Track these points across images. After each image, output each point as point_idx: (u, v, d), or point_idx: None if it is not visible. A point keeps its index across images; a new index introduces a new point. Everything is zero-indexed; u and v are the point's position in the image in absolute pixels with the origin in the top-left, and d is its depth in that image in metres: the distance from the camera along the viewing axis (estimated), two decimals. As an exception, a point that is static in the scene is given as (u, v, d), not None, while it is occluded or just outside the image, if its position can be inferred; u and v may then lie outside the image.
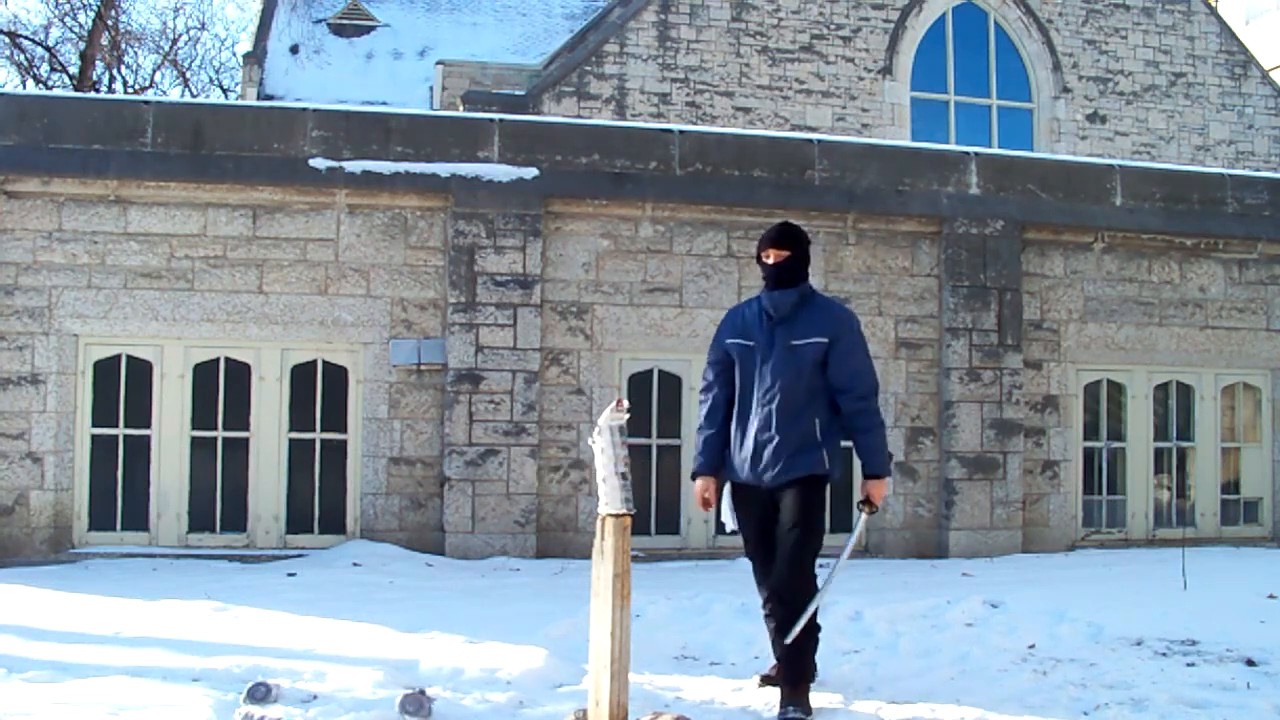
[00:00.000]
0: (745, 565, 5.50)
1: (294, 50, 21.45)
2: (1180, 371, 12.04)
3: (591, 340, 10.56)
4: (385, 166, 10.17)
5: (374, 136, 10.26)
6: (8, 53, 28.23)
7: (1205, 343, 11.99)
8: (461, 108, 17.07)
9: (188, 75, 31.61)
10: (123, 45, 29.29)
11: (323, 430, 10.27)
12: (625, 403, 4.59)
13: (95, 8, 27.15)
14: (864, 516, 5.17)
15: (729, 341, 5.24)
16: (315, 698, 5.03)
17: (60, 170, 9.77)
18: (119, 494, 9.94)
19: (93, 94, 25.89)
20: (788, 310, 5.13)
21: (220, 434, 10.11)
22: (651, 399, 10.68)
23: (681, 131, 11.11)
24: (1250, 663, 5.70)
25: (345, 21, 22.17)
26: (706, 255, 10.82)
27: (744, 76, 18.09)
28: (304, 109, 10.53)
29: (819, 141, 11.41)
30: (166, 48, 30.74)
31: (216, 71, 32.88)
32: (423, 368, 10.22)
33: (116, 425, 9.96)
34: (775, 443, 5.04)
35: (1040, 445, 11.42)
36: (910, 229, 11.25)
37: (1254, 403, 12.37)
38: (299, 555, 9.73)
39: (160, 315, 9.94)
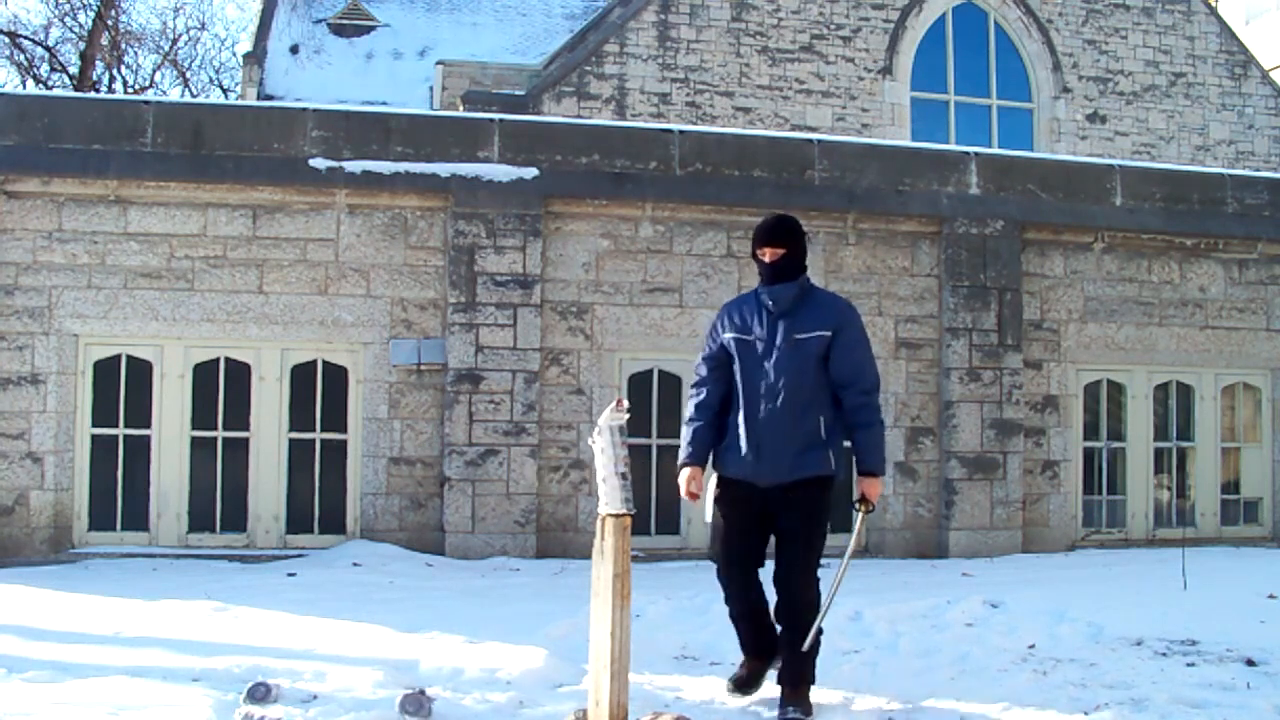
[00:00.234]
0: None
1: (294, 50, 21.44)
2: (1180, 371, 12.04)
3: (591, 340, 10.56)
4: (385, 166, 10.17)
5: (374, 136, 10.26)
6: (8, 53, 28.25)
7: (1205, 343, 11.99)
8: (461, 108, 17.07)
9: (188, 75, 31.63)
10: (123, 45, 29.30)
11: (323, 430, 10.27)
12: (625, 403, 4.59)
13: (95, 8, 27.16)
14: (862, 516, 5.05)
15: (728, 336, 5.11)
16: (315, 698, 5.03)
17: (60, 170, 9.77)
18: (119, 494, 9.94)
19: (93, 94, 25.89)
20: (788, 304, 5.03)
21: (220, 434, 10.11)
22: (651, 399, 10.68)
23: (681, 131, 11.11)
24: (1250, 663, 5.69)
25: (345, 21, 22.17)
26: (706, 255, 10.83)
27: (744, 76, 18.09)
28: (304, 109, 10.53)
29: (819, 141, 11.41)
30: (166, 48, 30.76)
31: (216, 71, 32.90)
32: (423, 368, 10.22)
33: (116, 425, 9.96)
34: (781, 441, 4.93)
35: (1040, 445, 11.42)
36: (910, 229, 11.25)
37: (1254, 403, 12.37)
38: (299, 555, 9.73)
39: (160, 315, 9.94)
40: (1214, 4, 21.38)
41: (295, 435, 10.21)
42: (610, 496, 4.48)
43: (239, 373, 10.15)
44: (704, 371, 5.19)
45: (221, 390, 10.12)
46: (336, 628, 6.46)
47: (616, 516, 4.47)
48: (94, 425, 9.94)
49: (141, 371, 10.03)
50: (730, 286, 10.71)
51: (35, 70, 28.67)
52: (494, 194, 10.30)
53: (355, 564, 9.25)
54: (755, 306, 5.12)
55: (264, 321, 10.08)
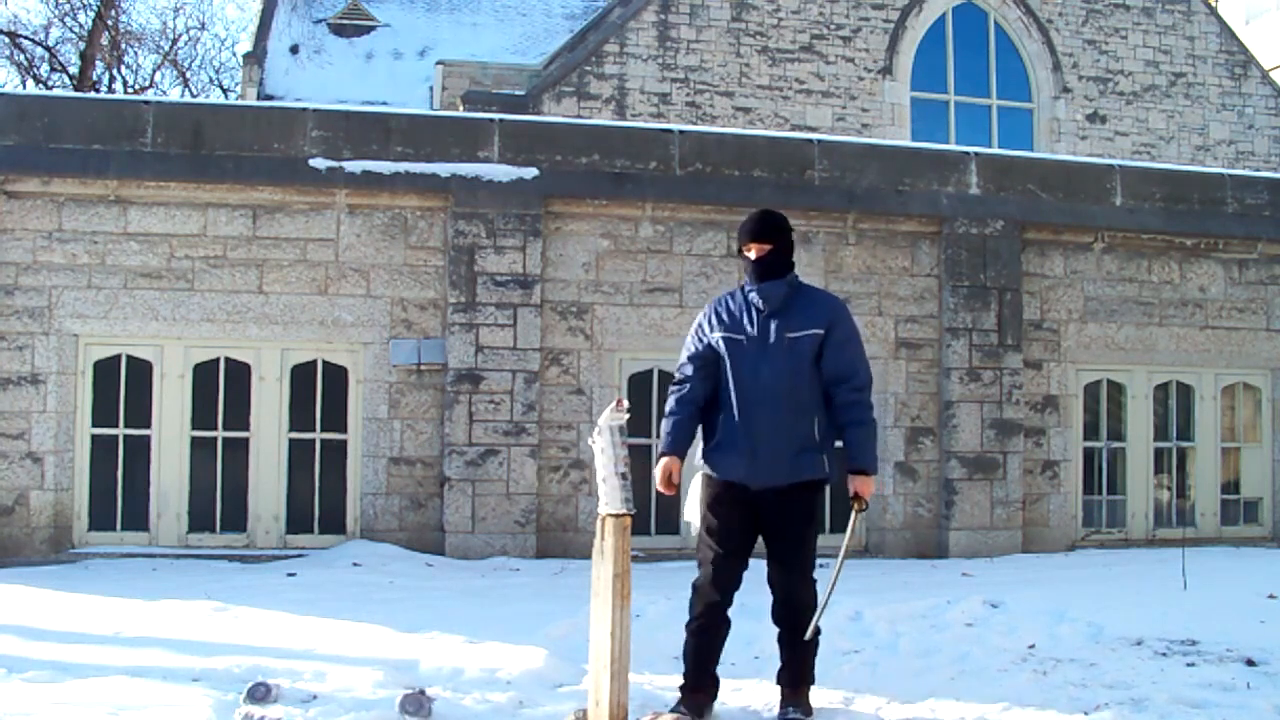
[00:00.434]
0: (756, 565, 5.10)
1: (294, 50, 21.44)
2: (1180, 371, 12.04)
3: (591, 340, 10.56)
4: (385, 166, 10.17)
5: (374, 136, 10.26)
6: (8, 53, 28.26)
7: (1205, 343, 11.99)
8: (461, 108, 17.07)
9: (188, 75, 31.63)
10: (123, 45, 29.31)
11: (323, 430, 10.27)
12: (625, 402, 4.59)
13: (95, 8, 27.17)
14: (856, 514, 5.00)
15: (717, 336, 4.96)
16: (315, 698, 5.03)
17: (60, 170, 9.77)
18: (119, 494, 9.94)
19: (93, 94, 25.89)
20: (779, 302, 4.92)
21: (220, 434, 10.11)
22: (651, 399, 10.67)
23: (681, 131, 11.11)
24: (1250, 663, 5.69)
25: (345, 21, 22.16)
26: (706, 255, 10.83)
27: (744, 76, 18.09)
28: (304, 109, 10.53)
29: (819, 141, 11.41)
30: (166, 48, 30.77)
31: (216, 71, 32.91)
32: (423, 368, 10.22)
33: (116, 425, 9.96)
34: (779, 443, 4.82)
35: (1040, 445, 11.42)
36: (910, 229, 11.25)
37: (1254, 403, 12.37)
38: (299, 555, 9.73)
39: (160, 315, 9.94)
40: (1214, 4, 21.37)
41: (295, 435, 10.21)
42: (610, 496, 4.48)
43: (239, 373, 10.15)
44: (689, 370, 5.01)
45: (221, 390, 10.12)
46: (336, 628, 6.46)
47: (616, 516, 4.47)
48: (94, 425, 9.94)
49: (141, 371, 10.03)
50: (730, 286, 10.68)
51: (35, 70, 28.69)
52: (494, 194, 10.30)
53: (355, 564, 9.25)
54: (744, 305, 5.00)
55: (264, 321, 10.08)
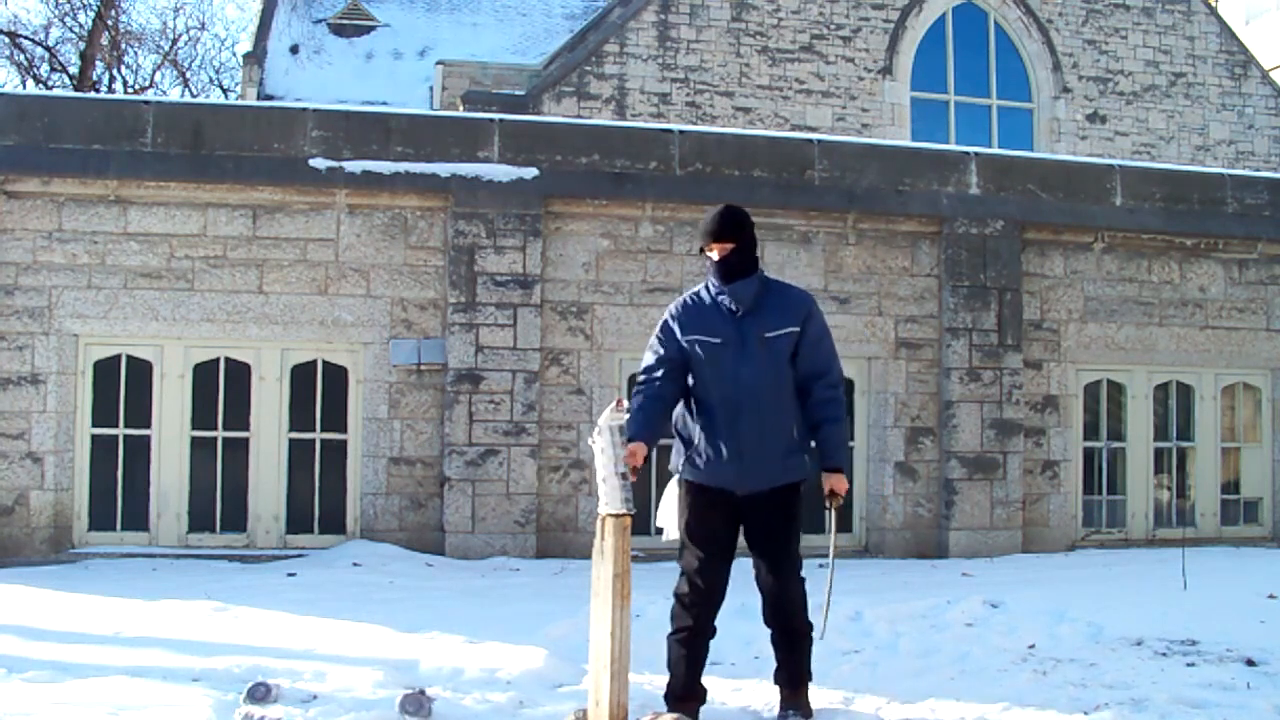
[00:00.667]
0: (745, 565, 5.05)
1: (294, 50, 21.44)
2: (1180, 371, 12.04)
3: (591, 340, 10.56)
4: (385, 166, 10.16)
5: (374, 136, 10.26)
6: (8, 53, 28.27)
7: (1205, 343, 11.99)
8: (461, 108, 17.07)
9: (188, 75, 31.64)
10: (123, 45, 29.32)
11: (323, 430, 10.27)
12: (625, 402, 4.58)
13: (95, 8, 27.18)
14: (833, 512, 4.97)
15: (690, 338, 4.81)
16: (315, 698, 5.04)
17: (60, 170, 9.77)
18: (119, 494, 9.94)
19: (93, 94, 25.89)
20: (751, 302, 4.81)
21: (220, 434, 10.11)
22: (651, 399, 10.66)
23: (681, 131, 11.11)
24: (1250, 663, 5.69)
25: (345, 21, 22.17)
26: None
27: (744, 76, 18.09)
28: (304, 109, 10.53)
29: (819, 141, 11.41)
30: (166, 48, 30.78)
31: (216, 71, 32.92)
32: (423, 368, 10.22)
33: (116, 425, 9.96)
34: (762, 447, 4.76)
35: (1040, 445, 11.42)
36: (910, 229, 11.25)
37: (1254, 403, 12.37)
38: (299, 555, 9.73)
39: (160, 315, 9.94)
40: (1214, 4, 21.38)
41: (295, 435, 10.21)
42: (610, 496, 4.48)
43: (239, 373, 10.15)
44: (659, 372, 4.84)
45: (221, 390, 10.12)
46: (336, 628, 6.46)
47: (616, 516, 4.47)
48: (94, 425, 9.94)
49: (141, 371, 10.03)
50: (730, 286, 10.70)
51: (35, 70, 28.70)
52: (494, 194, 10.30)
53: (355, 564, 9.25)
54: (714, 306, 4.87)
55: (264, 321, 10.08)
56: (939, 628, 6.52)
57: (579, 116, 16.61)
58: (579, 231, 10.64)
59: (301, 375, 10.26)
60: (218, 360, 10.13)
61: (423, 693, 4.85)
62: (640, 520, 8.74)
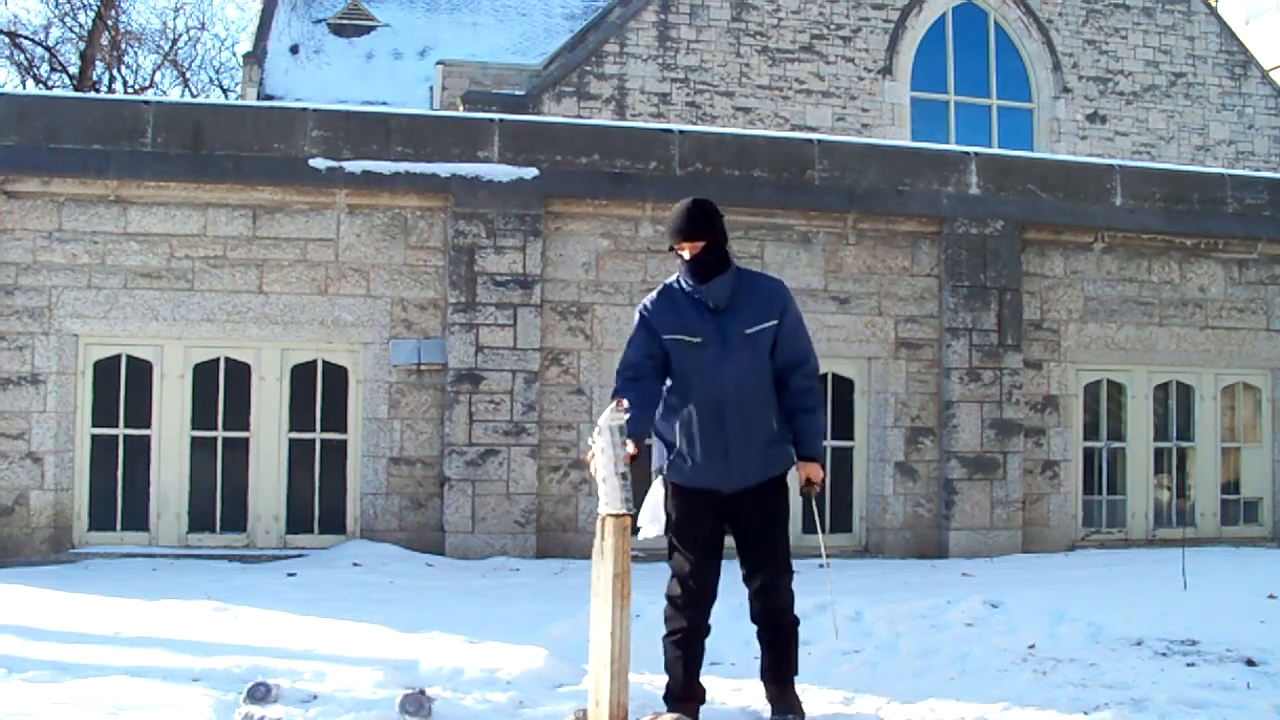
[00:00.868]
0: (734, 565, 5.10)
1: (294, 50, 21.45)
2: (1180, 371, 12.04)
3: (591, 340, 10.56)
4: (385, 166, 10.16)
5: (374, 136, 10.26)
6: (8, 53, 28.28)
7: (1205, 343, 11.99)
8: (461, 108, 17.07)
9: (188, 75, 31.65)
10: (123, 45, 29.32)
11: (323, 430, 10.27)
12: (625, 402, 4.56)
13: (95, 8, 27.18)
14: (814, 502, 4.95)
15: (669, 338, 4.73)
16: (315, 698, 5.03)
17: (60, 170, 9.77)
18: (119, 494, 9.94)
19: (93, 94, 25.89)
20: (727, 298, 4.74)
21: (220, 434, 10.11)
22: (651, 399, 10.66)
23: (681, 131, 11.11)
24: (1250, 663, 5.69)
25: (345, 21, 22.17)
26: (706, 255, 10.80)
27: (744, 76, 18.09)
28: (304, 109, 10.53)
29: (819, 141, 11.41)
30: (166, 48, 30.78)
31: (216, 71, 32.93)
32: (423, 368, 10.22)
33: (116, 425, 9.96)
34: (748, 444, 4.73)
35: (1040, 445, 11.42)
36: (910, 229, 11.25)
37: (1254, 403, 12.37)
38: (299, 555, 9.73)
39: (160, 315, 9.94)
40: (1214, 4, 21.37)
41: (295, 435, 10.21)
42: (610, 496, 4.47)
43: (239, 373, 10.15)
44: (645, 368, 4.75)
45: (221, 390, 10.12)
46: (336, 628, 6.46)
47: (616, 516, 4.46)
48: (94, 425, 9.94)
49: (141, 371, 10.03)
50: (730, 286, 10.70)
51: (35, 70, 28.70)
52: (494, 194, 10.30)
53: (355, 564, 9.25)
54: (689, 304, 4.77)
55: (264, 321, 10.08)
56: (939, 628, 6.52)
57: (579, 116, 16.61)
58: (579, 231, 10.64)
59: (301, 375, 10.26)
60: (218, 360, 10.13)
61: (423, 693, 4.85)
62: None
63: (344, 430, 10.28)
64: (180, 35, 31.62)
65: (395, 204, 10.31)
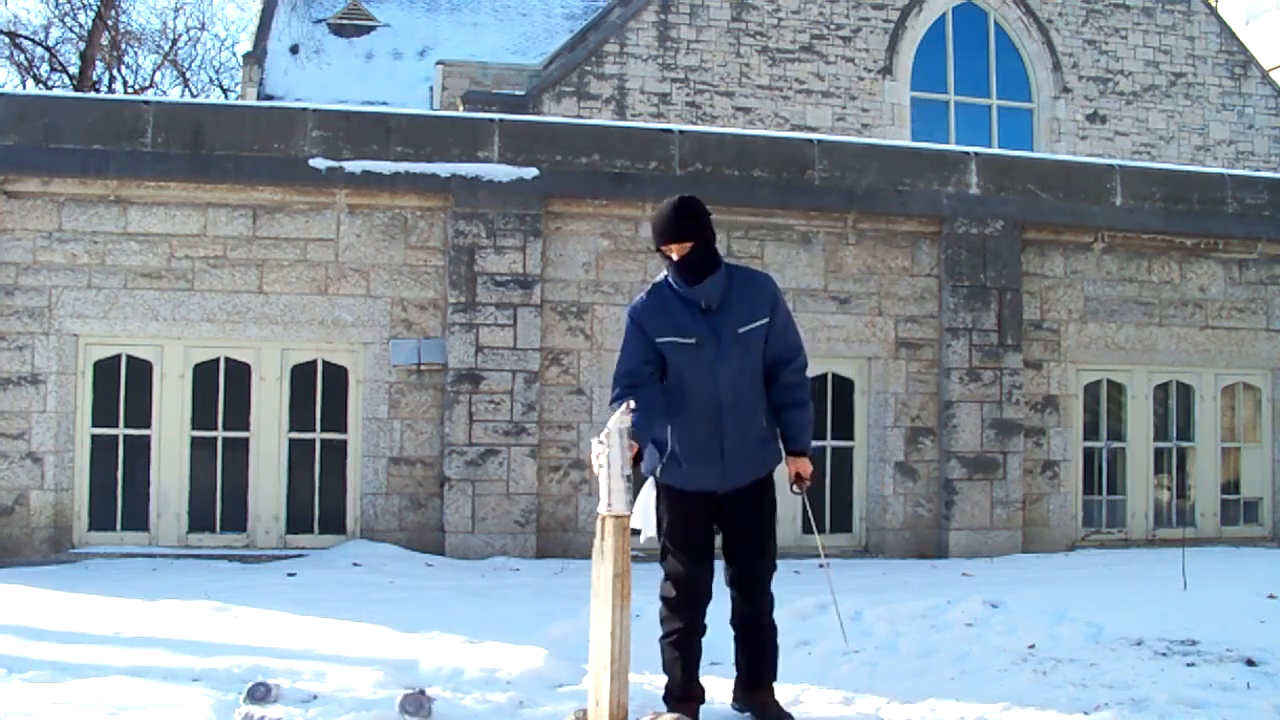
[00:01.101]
0: None
1: (294, 50, 21.44)
2: (1180, 371, 12.03)
3: (591, 340, 10.56)
4: (385, 166, 10.16)
5: (374, 136, 10.26)
6: (8, 53, 28.25)
7: (1205, 343, 11.99)
8: (461, 108, 17.07)
9: (188, 75, 31.63)
10: (123, 45, 29.30)
11: (323, 430, 10.27)
12: (632, 403, 4.53)
13: (95, 8, 27.16)
14: (804, 498, 4.95)
15: (662, 340, 4.68)
16: (315, 698, 5.03)
17: (60, 170, 9.77)
18: (119, 494, 9.94)
19: (93, 94, 25.88)
20: (719, 298, 4.68)
21: (220, 434, 10.11)
22: (651, 399, 10.66)
23: (681, 131, 11.11)
24: (1250, 663, 5.69)
25: (345, 21, 22.17)
26: (706, 255, 10.80)
27: (744, 76, 18.09)
28: (304, 109, 10.53)
29: (819, 141, 11.41)
30: (166, 48, 30.76)
31: (216, 71, 32.90)
32: (423, 368, 10.22)
33: (116, 425, 9.96)
34: (742, 444, 4.71)
35: (1040, 445, 11.41)
36: (910, 229, 11.25)
37: (1254, 403, 12.37)
38: (299, 555, 9.73)
39: (160, 315, 9.93)
40: (1214, 4, 21.37)
41: (295, 435, 10.21)
42: (616, 499, 4.45)
43: (239, 373, 10.15)
44: (645, 374, 4.69)
45: (221, 390, 10.12)
46: (336, 628, 6.46)
47: (617, 517, 4.46)
48: (94, 425, 9.94)
49: (141, 371, 10.03)
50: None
51: (35, 70, 28.68)
52: (494, 194, 10.30)
53: (355, 564, 9.25)
54: (680, 304, 4.71)
55: (264, 321, 10.08)
56: (939, 628, 6.52)
57: (579, 116, 16.61)
58: (579, 231, 10.64)
59: (301, 375, 10.26)
60: (218, 360, 10.13)
61: (423, 693, 4.85)
62: (640, 520, 8.62)
63: (344, 430, 10.28)
64: (180, 35, 31.61)
65: (395, 204, 10.31)
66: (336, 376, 10.31)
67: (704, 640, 4.90)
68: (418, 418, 10.24)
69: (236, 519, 10.10)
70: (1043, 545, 11.20)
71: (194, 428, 10.06)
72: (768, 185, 10.86)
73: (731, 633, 5.00)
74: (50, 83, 28.41)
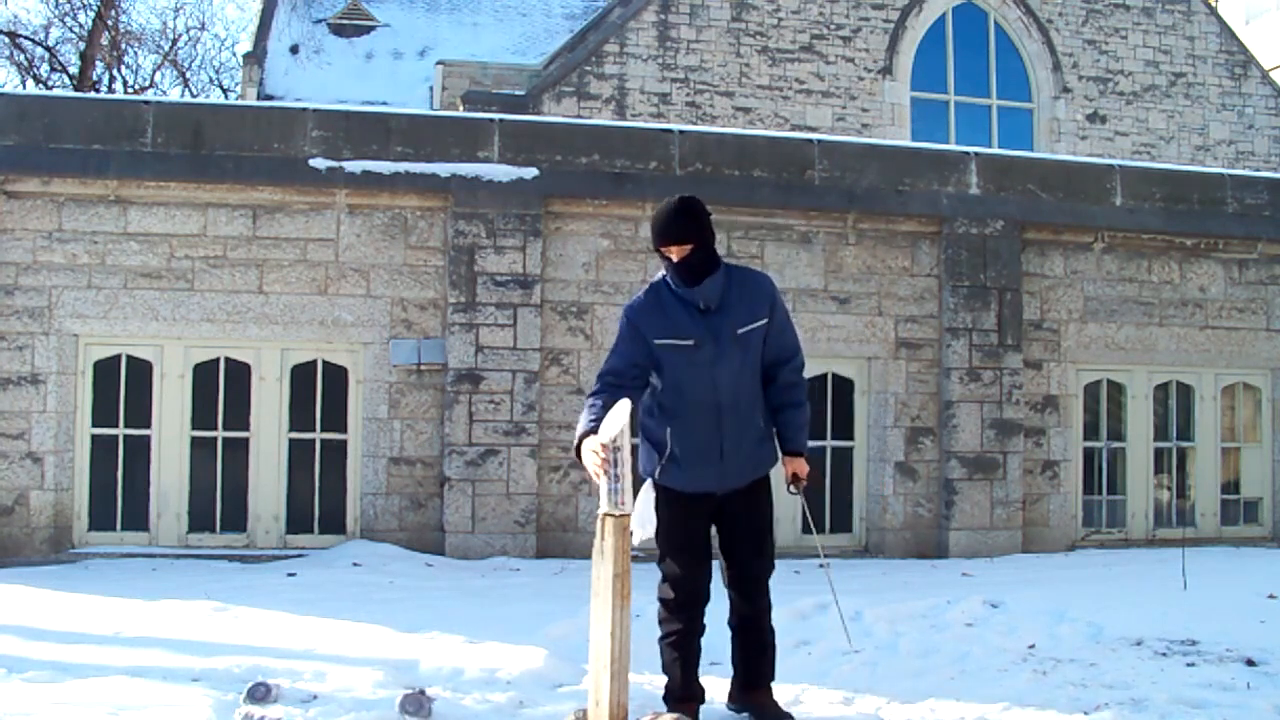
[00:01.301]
0: None
1: (294, 50, 21.45)
2: (1180, 371, 12.03)
3: (591, 340, 10.56)
4: (385, 166, 10.16)
5: (374, 136, 10.26)
6: (8, 53, 28.25)
7: (1205, 343, 11.99)
8: (461, 108, 17.07)
9: (188, 75, 31.63)
10: (123, 45, 29.30)
11: (323, 430, 10.27)
12: (628, 402, 4.52)
13: (95, 8, 27.16)
14: (801, 498, 4.98)
15: (659, 343, 4.63)
16: (315, 698, 5.03)
17: (60, 170, 9.77)
18: (119, 494, 9.94)
19: (93, 94, 25.88)
20: (718, 299, 4.65)
21: (220, 434, 10.11)
22: (651, 399, 10.67)
23: (681, 131, 11.11)
24: (1250, 663, 5.69)
25: (345, 21, 22.17)
26: (706, 255, 10.80)
27: (744, 76, 18.09)
28: (304, 109, 10.53)
29: (819, 141, 11.41)
30: (166, 48, 30.76)
31: (216, 71, 32.91)
32: (423, 368, 10.22)
33: (116, 425, 9.96)
34: (740, 445, 4.70)
35: (1040, 445, 11.41)
36: (910, 229, 11.25)
37: (1254, 403, 12.37)
38: (299, 555, 9.73)
39: (160, 315, 9.94)
40: (1214, 4, 21.37)
41: (295, 435, 10.21)
42: (623, 497, 4.44)
43: (239, 373, 10.15)
44: (629, 377, 4.62)
45: (221, 390, 10.12)
46: (336, 628, 6.46)
47: (617, 517, 4.46)
48: (94, 425, 9.94)
49: (141, 371, 10.03)
50: (730, 286, 10.70)
51: (35, 70, 28.68)
52: (494, 194, 10.30)
53: (355, 564, 9.25)
54: (679, 304, 4.67)
55: (264, 321, 10.08)
56: (939, 628, 6.52)
57: (579, 116, 16.61)
58: (579, 231, 10.64)
59: (301, 375, 10.26)
60: (218, 360, 10.13)
61: (423, 693, 4.85)
62: (640, 520, 8.61)
63: (344, 430, 10.28)
64: (180, 35, 31.61)
65: (395, 204, 10.31)
66: (336, 376, 10.31)
67: (703, 640, 4.90)
68: (418, 418, 10.24)
69: (236, 519, 10.10)
70: (1043, 545, 11.20)
71: (194, 428, 10.06)
72: (768, 185, 10.85)
73: (729, 633, 4.99)
74: (50, 83, 28.41)
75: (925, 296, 11.24)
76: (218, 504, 10.08)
